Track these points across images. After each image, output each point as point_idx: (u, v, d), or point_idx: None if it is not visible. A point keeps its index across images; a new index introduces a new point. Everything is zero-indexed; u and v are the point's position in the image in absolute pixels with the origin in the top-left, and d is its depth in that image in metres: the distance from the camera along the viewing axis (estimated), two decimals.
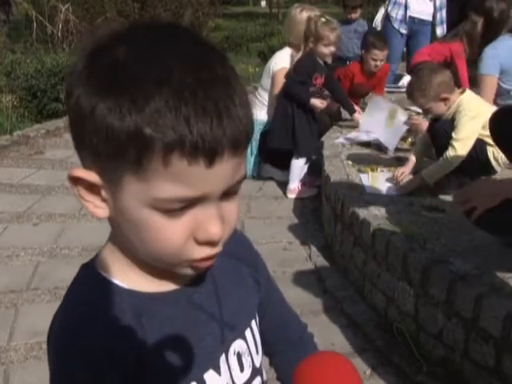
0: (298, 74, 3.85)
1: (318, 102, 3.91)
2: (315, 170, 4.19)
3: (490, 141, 2.73)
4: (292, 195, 4.04)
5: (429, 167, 3.04)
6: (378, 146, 3.92)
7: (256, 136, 4.22)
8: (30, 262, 3.17)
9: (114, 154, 0.60)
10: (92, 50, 0.62)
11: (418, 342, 2.33)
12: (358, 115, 4.35)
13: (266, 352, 0.91)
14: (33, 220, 3.72)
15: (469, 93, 3.00)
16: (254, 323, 0.83)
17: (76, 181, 0.65)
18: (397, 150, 3.79)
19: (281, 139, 3.97)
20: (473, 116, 2.86)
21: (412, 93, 3.01)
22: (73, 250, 3.25)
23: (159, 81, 0.58)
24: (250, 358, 0.80)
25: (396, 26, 5.79)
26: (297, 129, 3.92)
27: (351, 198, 2.98)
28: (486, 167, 2.98)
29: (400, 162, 3.54)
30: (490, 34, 3.48)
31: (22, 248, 3.31)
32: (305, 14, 4.10)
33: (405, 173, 3.16)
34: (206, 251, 0.66)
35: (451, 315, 2.13)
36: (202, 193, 0.62)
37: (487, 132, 2.72)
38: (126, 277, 0.71)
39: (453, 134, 2.86)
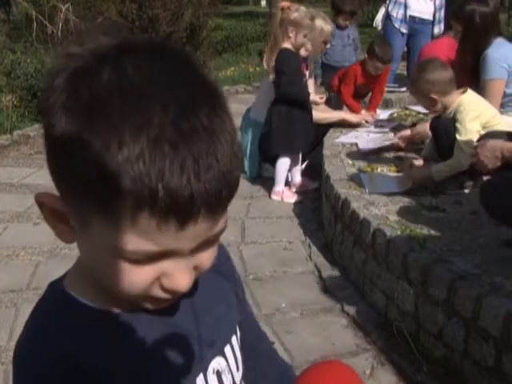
0: (286, 74, 3.77)
1: (317, 98, 3.90)
2: (307, 175, 4.21)
3: None
4: (276, 197, 4.00)
5: (439, 164, 3.04)
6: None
7: (256, 137, 4.22)
8: (30, 262, 3.17)
9: (82, 194, 0.55)
10: (75, 70, 0.56)
11: (418, 342, 2.33)
12: (364, 113, 4.44)
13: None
14: (33, 220, 3.72)
15: (470, 93, 3.00)
16: (234, 339, 0.78)
17: (42, 204, 0.62)
18: (397, 150, 3.79)
19: (279, 145, 3.94)
20: (474, 116, 2.87)
21: (410, 86, 3.11)
22: (73, 249, 3.24)
23: (137, 127, 0.52)
24: (230, 376, 0.76)
25: (397, 25, 5.79)
26: (293, 128, 3.90)
27: (351, 198, 2.98)
28: None
29: (400, 161, 3.54)
30: (479, 39, 3.35)
31: (22, 248, 3.31)
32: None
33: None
34: (166, 296, 0.62)
35: (451, 315, 2.13)
36: (171, 249, 0.57)
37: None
38: (95, 297, 0.66)
39: (457, 136, 2.86)
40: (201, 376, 0.72)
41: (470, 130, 2.85)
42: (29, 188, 4.24)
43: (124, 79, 0.54)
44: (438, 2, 5.74)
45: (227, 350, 0.77)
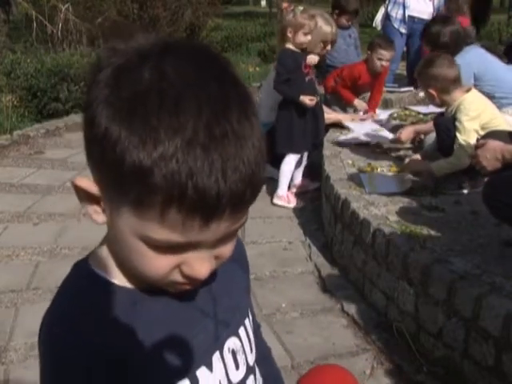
0: (281, 73, 3.78)
1: (306, 100, 3.88)
2: (307, 175, 4.21)
3: None
4: (280, 202, 3.96)
5: (440, 160, 3.06)
6: (377, 146, 3.93)
7: None
8: (30, 262, 3.17)
9: (116, 185, 0.60)
10: (119, 67, 0.60)
11: (418, 342, 2.33)
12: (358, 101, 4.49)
13: None
14: (33, 220, 3.72)
15: (474, 92, 3.00)
16: (247, 322, 0.83)
17: (79, 188, 0.66)
18: (397, 149, 3.80)
19: (282, 144, 3.94)
20: (473, 116, 2.87)
21: (417, 76, 3.12)
22: (73, 249, 3.25)
23: (174, 128, 0.56)
24: (243, 356, 0.80)
25: (396, 25, 5.80)
26: (294, 128, 3.90)
27: (351, 198, 2.98)
28: None
29: (400, 161, 3.54)
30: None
31: (22, 248, 3.31)
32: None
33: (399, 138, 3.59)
34: (185, 282, 0.67)
35: (451, 315, 2.13)
36: (194, 241, 0.61)
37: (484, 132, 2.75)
38: (118, 275, 0.71)
39: (457, 134, 2.87)
40: (217, 354, 0.76)
41: (468, 129, 2.86)
42: (28, 188, 4.24)
43: (164, 80, 0.58)
44: (436, 2, 5.75)
45: (241, 331, 0.81)
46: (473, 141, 2.84)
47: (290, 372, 2.19)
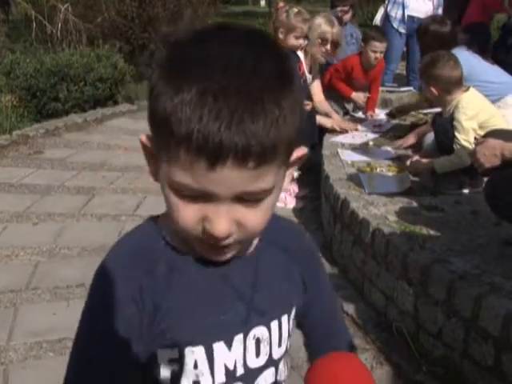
0: None
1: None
2: (302, 180, 4.21)
3: None
4: (279, 204, 3.94)
5: (441, 158, 3.08)
6: (377, 146, 3.93)
7: None
8: (30, 262, 3.17)
9: (156, 134, 0.68)
10: (176, 40, 0.69)
11: (418, 342, 2.33)
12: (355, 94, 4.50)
13: (309, 357, 0.97)
14: (32, 220, 3.72)
15: (471, 91, 3.00)
16: (285, 318, 0.84)
17: (143, 145, 0.74)
18: (397, 148, 3.79)
19: None
20: (470, 116, 2.88)
21: (420, 66, 3.14)
22: (72, 249, 3.24)
23: (193, 79, 0.63)
24: (268, 347, 0.82)
25: (395, 25, 5.80)
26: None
27: (351, 198, 2.98)
28: None
29: (400, 161, 3.54)
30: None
31: (22, 248, 3.31)
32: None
33: (402, 145, 3.71)
34: (212, 239, 0.70)
35: (451, 314, 2.13)
36: (207, 190, 0.65)
37: (483, 132, 2.74)
38: (172, 235, 0.77)
39: (456, 133, 2.88)
40: (240, 336, 0.79)
41: (466, 128, 2.86)
42: (28, 188, 4.24)
43: (205, 47, 0.66)
44: (435, 1, 5.74)
45: (273, 324, 0.82)
46: (471, 140, 2.85)
47: (289, 372, 2.18)
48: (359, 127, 4.35)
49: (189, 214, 0.69)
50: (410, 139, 3.76)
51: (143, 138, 0.74)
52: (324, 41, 4.04)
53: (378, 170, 3.43)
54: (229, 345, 0.78)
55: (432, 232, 2.56)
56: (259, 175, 0.65)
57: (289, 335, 0.86)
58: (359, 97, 4.64)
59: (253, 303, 0.79)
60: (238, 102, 0.62)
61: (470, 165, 2.43)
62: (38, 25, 8.33)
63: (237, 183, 0.65)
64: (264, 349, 0.81)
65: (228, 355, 0.78)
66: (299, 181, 4.29)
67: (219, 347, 0.77)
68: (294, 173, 4.24)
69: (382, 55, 4.58)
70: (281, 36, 3.75)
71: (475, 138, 2.75)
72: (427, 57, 3.16)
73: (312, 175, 4.23)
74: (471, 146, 2.78)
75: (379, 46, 4.46)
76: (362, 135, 4.20)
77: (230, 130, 0.61)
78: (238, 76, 0.63)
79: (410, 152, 3.67)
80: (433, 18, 4.02)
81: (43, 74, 6.11)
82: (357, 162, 3.59)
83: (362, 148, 3.93)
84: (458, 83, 2.99)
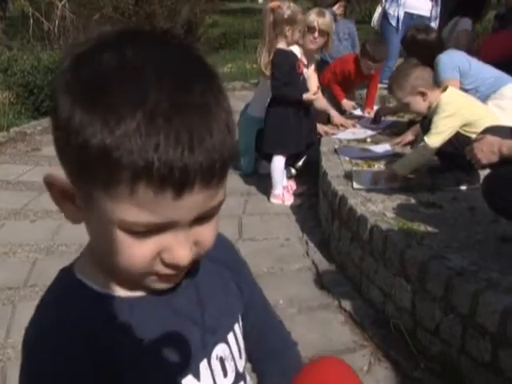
0: (278, 77, 3.76)
1: (310, 96, 3.89)
2: (300, 177, 4.20)
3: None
4: (276, 201, 3.96)
5: (400, 159, 3.13)
6: (375, 143, 3.93)
7: (253, 133, 4.21)
8: (27, 259, 3.17)
9: (84, 170, 0.58)
10: (79, 54, 0.60)
11: (415, 338, 2.33)
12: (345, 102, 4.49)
13: (248, 358, 0.89)
14: (30, 217, 3.72)
15: (450, 91, 3.01)
16: (237, 327, 0.81)
17: (51, 185, 0.64)
18: (395, 145, 3.80)
19: (273, 144, 3.94)
20: (448, 115, 2.88)
21: (391, 86, 3.06)
22: (70, 246, 3.25)
23: (134, 103, 0.55)
24: (233, 363, 0.79)
25: (393, 23, 5.80)
26: (289, 127, 3.88)
27: (348, 194, 2.98)
28: None
29: (398, 157, 3.54)
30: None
31: (19, 245, 3.31)
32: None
33: (401, 142, 3.74)
34: (168, 271, 0.65)
35: (448, 311, 2.14)
36: (169, 220, 0.60)
37: (473, 129, 2.75)
38: (103, 281, 0.69)
39: (428, 132, 2.90)
40: (204, 361, 0.74)
41: (441, 125, 2.88)
42: (25, 185, 4.23)
43: (123, 60, 0.57)
44: None
45: (230, 337, 0.79)
46: (444, 137, 2.87)
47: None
48: (357, 125, 4.36)
49: (144, 251, 0.62)
50: (408, 136, 3.77)
51: (52, 178, 0.64)
52: (311, 29, 4.01)
53: (375, 166, 3.43)
54: (197, 376, 0.73)
55: (430, 228, 2.56)
56: (217, 191, 0.61)
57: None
58: (348, 105, 4.65)
59: (205, 323, 0.75)
60: (191, 118, 0.56)
61: (467, 161, 2.43)
62: (35, 22, 8.32)
63: (199, 205, 0.60)
64: (230, 366, 0.78)
65: None
66: (297, 178, 4.30)
67: (189, 382, 0.72)
68: (292, 170, 4.27)
69: (377, 69, 4.60)
70: (288, 34, 3.76)
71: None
72: (396, 71, 3.16)
73: (310, 172, 4.23)
74: (439, 141, 2.85)
75: (373, 66, 4.49)
76: (361, 132, 4.21)
77: (193, 153, 0.55)
78: (179, 87, 0.57)
79: (408, 149, 3.67)
80: (416, 28, 4.08)
81: (40, 70, 6.10)
82: (355, 159, 3.59)
83: (361, 145, 3.94)
84: (434, 83, 3.01)
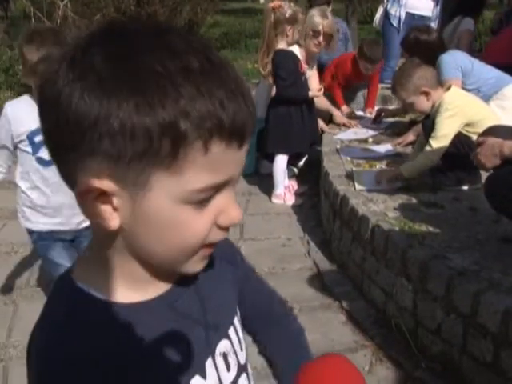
0: (285, 77, 3.76)
1: (315, 93, 3.90)
2: (301, 177, 4.20)
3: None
4: (278, 201, 3.97)
5: (408, 162, 3.09)
6: (377, 143, 3.93)
7: (254, 133, 4.21)
8: (29, 259, 3.17)
9: (141, 154, 0.56)
10: (86, 43, 0.58)
11: (417, 338, 2.33)
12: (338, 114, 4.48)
13: (249, 329, 0.91)
14: None
15: (453, 90, 3.01)
16: (236, 320, 0.82)
17: (87, 193, 0.60)
18: (396, 145, 3.80)
19: (275, 144, 3.94)
20: (451, 114, 2.87)
21: (394, 86, 3.04)
22: None
23: (182, 68, 0.56)
24: (234, 356, 0.79)
25: (395, 23, 5.80)
26: (291, 127, 3.88)
27: (350, 194, 2.98)
28: None
29: (399, 157, 3.54)
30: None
31: (21, 244, 3.31)
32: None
33: (402, 143, 3.74)
34: (222, 234, 0.67)
35: (449, 311, 2.14)
36: (229, 177, 0.62)
37: (475, 129, 2.75)
38: (105, 288, 0.68)
39: (432, 132, 2.88)
40: (210, 360, 0.75)
41: (444, 126, 2.87)
42: None
43: (136, 45, 0.58)
44: None
45: (231, 331, 0.80)
46: (449, 139, 2.86)
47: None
48: (359, 125, 4.37)
49: (206, 220, 0.63)
50: (410, 136, 3.77)
51: (84, 184, 0.59)
52: (316, 33, 4.02)
53: (377, 166, 3.43)
54: (203, 375, 0.74)
55: (431, 228, 2.56)
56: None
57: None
58: (340, 117, 4.54)
59: (207, 322, 0.75)
60: (230, 73, 0.60)
61: (468, 161, 2.43)
62: (37, 21, 8.31)
63: (244, 159, 0.64)
64: (232, 360, 0.79)
65: None
66: (298, 178, 4.30)
67: (196, 382, 0.73)
68: (293, 170, 4.27)
69: (375, 70, 4.58)
70: (289, 33, 3.76)
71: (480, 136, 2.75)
72: (399, 71, 3.16)
73: (311, 172, 4.23)
74: (446, 142, 2.83)
75: (370, 68, 4.48)
76: (362, 132, 4.21)
77: (247, 103, 0.60)
78: (208, 53, 0.60)
79: (409, 149, 3.67)
80: (418, 29, 4.06)
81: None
82: (356, 159, 3.59)
83: (362, 145, 3.94)
84: (438, 82, 3.01)
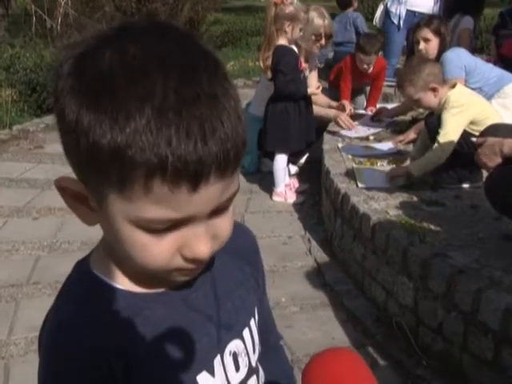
0: (286, 72, 3.73)
1: (314, 90, 3.89)
2: (302, 175, 4.19)
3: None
4: (279, 199, 3.96)
5: (416, 160, 3.08)
6: (378, 141, 3.93)
7: (255, 131, 4.21)
8: (30, 257, 3.18)
9: (96, 171, 0.58)
10: (79, 55, 0.59)
11: (418, 336, 2.33)
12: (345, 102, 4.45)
13: None
14: (32, 214, 3.72)
15: (459, 88, 3.00)
16: (252, 322, 0.81)
17: (63, 189, 0.64)
18: (397, 143, 3.79)
19: (274, 142, 3.93)
20: (457, 112, 2.87)
21: (402, 83, 3.03)
22: (73, 244, 3.25)
23: (142, 98, 0.54)
24: (246, 358, 0.79)
25: (395, 21, 5.80)
26: (289, 125, 3.87)
27: (351, 192, 2.98)
28: None
29: (400, 155, 3.54)
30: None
31: (22, 242, 3.31)
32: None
33: (404, 140, 3.72)
34: (193, 265, 0.65)
35: (450, 309, 2.14)
36: (187, 215, 0.59)
37: (479, 127, 2.74)
38: (120, 278, 0.70)
39: (439, 130, 2.88)
40: (218, 357, 0.75)
41: (451, 124, 2.86)
42: (28, 183, 4.23)
43: (125, 56, 0.57)
44: None
45: (245, 332, 0.79)
46: (456, 136, 2.85)
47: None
48: (360, 126, 4.34)
49: (163, 248, 0.61)
50: (411, 134, 3.76)
51: (64, 182, 0.63)
52: (318, 36, 4.02)
53: (378, 164, 3.42)
54: (211, 372, 0.73)
55: (432, 226, 2.56)
56: (231, 181, 0.61)
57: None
58: (338, 116, 4.39)
59: (220, 320, 0.75)
60: (201, 108, 0.55)
61: (470, 159, 2.43)
62: (38, 19, 8.31)
63: (216, 196, 0.59)
64: (243, 361, 0.78)
65: (212, 382, 0.74)
66: (299, 176, 4.30)
67: (203, 378, 0.73)
68: (294, 168, 4.27)
69: (372, 66, 4.55)
70: (287, 30, 3.75)
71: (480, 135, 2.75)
72: (407, 67, 3.15)
73: (312, 170, 4.23)
74: (452, 144, 2.81)
75: (365, 59, 4.43)
76: (364, 129, 4.19)
77: (206, 144, 0.55)
78: (185, 78, 0.56)
79: (411, 147, 3.67)
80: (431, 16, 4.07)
81: (43, 68, 6.10)
82: (357, 157, 3.59)
83: (363, 143, 3.94)
84: (444, 80, 3.01)
